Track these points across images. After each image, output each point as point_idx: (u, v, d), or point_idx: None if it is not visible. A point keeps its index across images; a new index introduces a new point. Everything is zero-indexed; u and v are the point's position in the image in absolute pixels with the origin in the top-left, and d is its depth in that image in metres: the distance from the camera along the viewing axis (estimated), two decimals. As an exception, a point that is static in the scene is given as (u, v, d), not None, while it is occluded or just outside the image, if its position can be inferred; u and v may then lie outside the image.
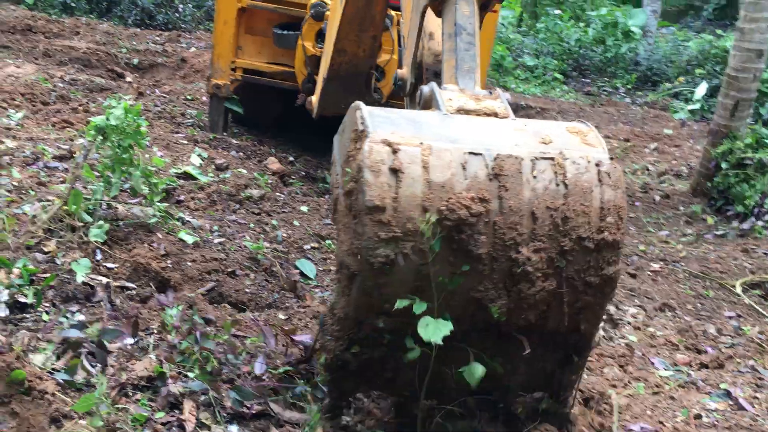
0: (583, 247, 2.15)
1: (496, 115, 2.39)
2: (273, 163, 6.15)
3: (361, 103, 2.31)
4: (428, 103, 2.46)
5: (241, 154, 6.23)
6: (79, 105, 6.81)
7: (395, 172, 2.07)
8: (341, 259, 2.21)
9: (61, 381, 2.53)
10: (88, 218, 3.83)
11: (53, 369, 2.58)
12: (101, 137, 3.79)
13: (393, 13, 6.28)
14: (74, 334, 2.78)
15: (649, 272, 4.66)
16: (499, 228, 2.10)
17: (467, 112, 2.38)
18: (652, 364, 3.42)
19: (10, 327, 2.89)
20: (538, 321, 2.25)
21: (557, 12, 15.24)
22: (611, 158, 2.24)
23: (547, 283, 2.17)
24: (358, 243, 2.08)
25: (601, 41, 14.26)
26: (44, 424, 2.36)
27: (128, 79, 8.92)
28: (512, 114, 2.42)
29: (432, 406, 2.44)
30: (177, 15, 13.61)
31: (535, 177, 2.15)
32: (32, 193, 4.08)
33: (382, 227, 2.05)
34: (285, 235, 4.68)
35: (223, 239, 4.27)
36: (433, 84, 2.51)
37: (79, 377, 2.61)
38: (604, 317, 2.37)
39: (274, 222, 4.84)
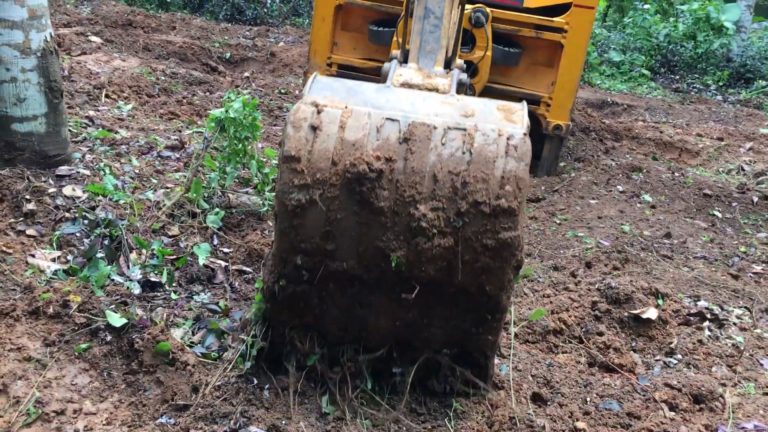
0: (479, 210, 2.31)
1: (437, 90, 2.60)
2: (366, 156, 6.30)
3: (317, 73, 2.59)
4: (386, 78, 2.69)
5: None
6: (183, 97, 7.14)
7: (314, 128, 2.34)
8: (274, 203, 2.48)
9: (199, 354, 2.73)
10: (206, 205, 4.06)
11: (191, 343, 2.78)
12: (219, 129, 4.01)
13: (488, 10, 6.35)
14: (206, 312, 2.98)
15: (751, 274, 4.58)
16: (401, 185, 2.32)
17: (410, 86, 2.61)
18: (761, 365, 3.39)
19: (145, 304, 3.13)
20: (439, 276, 2.41)
21: (646, 6, 14.85)
22: (524, 134, 2.38)
23: (444, 240, 2.35)
24: (278, 187, 2.35)
25: (692, 37, 13.82)
26: (186, 392, 2.56)
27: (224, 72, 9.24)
28: (453, 91, 2.60)
29: (356, 349, 2.69)
30: (265, 10, 14.00)
31: (443, 144, 2.34)
32: (154, 180, 4.35)
33: (296, 175, 2.31)
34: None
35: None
36: (395, 61, 2.78)
37: (214, 352, 2.80)
38: (512, 284, 2.49)
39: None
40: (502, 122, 2.41)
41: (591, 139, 8.32)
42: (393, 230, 2.35)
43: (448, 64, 3.01)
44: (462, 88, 2.71)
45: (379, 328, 2.60)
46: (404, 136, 2.34)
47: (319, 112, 2.37)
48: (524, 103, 2.57)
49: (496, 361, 3.15)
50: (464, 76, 2.76)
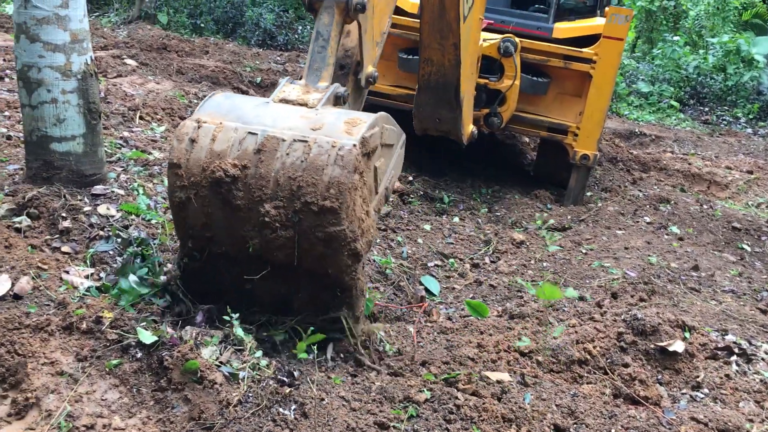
0: (310, 209, 2.77)
1: (306, 105, 3.06)
2: (393, 182, 6.36)
3: (219, 91, 3.12)
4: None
5: (363, 171, 6.46)
6: (214, 120, 7.27)
7: (192, 141, 2.88)
8: None
9: (227, 373, 2.77)
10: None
11: (219, 362, 2.82)
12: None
13: (517, 40, 6.41)
14: (238, 332, 3.02)
15: (781, 309, 4.52)
16: (252, 187, 2.81)
17: (286, 101, 3.09)
18: (790, 402, 3.34)
19: (174, 320, 3.18)
20: (288, 260, 2.91)
21: (675, 38, 14.82)
22: (354, 145, 2.78)
23: (286, 233, 2.83)
24: (167, 187, 2.99)
25: (722, 69, 13.77)
26: (213, 411, 2.59)
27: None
28: (320, 105, 3.05)
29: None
30: (296, 36, 14.22)
31: (287, 154, 2.80)
32: (185, 201, 4.43)
33: (178, 178, 2.88)
34: (410, 251, 4.84)
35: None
36: (287, 78, 3.27)
37: (241, 370, 2.84)
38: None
39: (399, 238, 5.01)
40: (340, 134, 2.85)
41: (618, 170, 8.30)
42: (249, 222, 2.86)
43: (356, 73, 3.60)
44: (339, 100, 3.21)
45: (263, 296, 3.14)
46: (258, 147, 2.83)
47: (198, 128, 2.90)
48: (375, 115, 3.00)
49: (519, 389, 3.15)
50: (342, 90, 3.22)
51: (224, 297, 3.18)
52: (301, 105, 3.06)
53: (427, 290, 4.41)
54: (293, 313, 3.17)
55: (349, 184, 2.75)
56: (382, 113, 3.13)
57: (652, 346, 3.58)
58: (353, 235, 2.85)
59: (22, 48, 3.83)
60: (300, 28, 14.57)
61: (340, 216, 2.77)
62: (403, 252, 4.81)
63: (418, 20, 6.58)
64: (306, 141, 2.82)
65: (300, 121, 2.92)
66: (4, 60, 8.13)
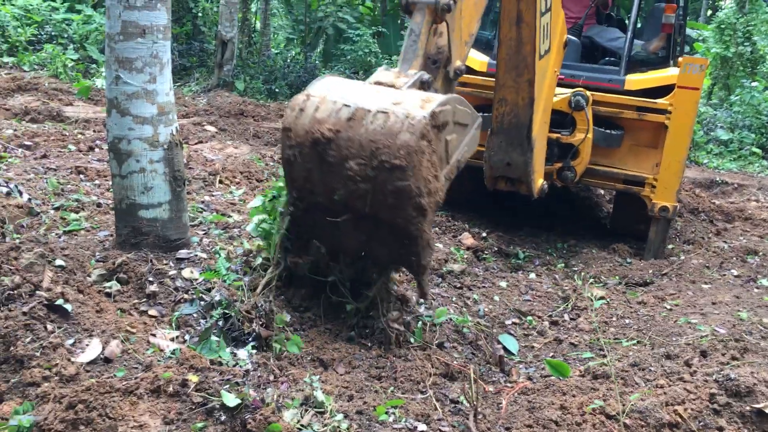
0: (383, 166, 3.28)
1: (394, 86, 3.65)
2: (467, 239, 6.34)
3: (328, 74, 3.76)
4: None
5: (436, 229, 6.48)
6: (290, 182, 7.46)
7: (301, 110, 3.49)
8: None
9: (308, 437, 2.78)
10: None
11: (300, 425, 2.83)
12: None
13: (588, 93, 6.38)
14: (318, 395, 3.04)
15: None
16: (342, 147, 3.37)
17: (379, 83, 3.70)
18: None
19: (256, 380, 3.22)
20: (365, 209, 3.45)
21: (754, 84, 14.41)
22: (424, 117, 3.28)
23: (365, 185, 3.37)
24: (281, 146, 3.62)
25: (805, 113, 13.30)
26: (296, 476, 2.60)
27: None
28: (406, 87, 3.64)
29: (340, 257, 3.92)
30: (366, 97, 14.55)
31: (371, 122, 3.34)
32: (264, 263, 4.53)
33: (288, 139, 3.51)
34: (486, 309, 4.79)
35: (429, 311, 4.47)
36: (384, 65, 3.90)
37: (321, 435, 2.85)
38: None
39: (475, 296, 4.97)
40: (415, 108, 3.35)
41: (700, 221, 8.05)
42: (338, 176, 3.43)
43: (446, 66, 4.12)
44: (424, 85, 3.76)
45: (349, 242, 3.77)
46: (350, 116, 3.39)
47: (306, 100, 3.51)
48: (447, 95, 3.55)
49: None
50: (426, 76, 3.79)
51: (319, 242, 3.87)
52: (390, 86, 3.65)
53: (505, 349, 4.33)
54: (372, 258, 3.82)
55: (416, 147, 3.26)
56: (456, 95, 3.70)
57: (748, 408, 3.38)
58: (418, 191, 3.33)
59: (114, 121, 4.07)
60: (370, 88, 14.91)
61: (407, 173, 3.27)
62: (479, 310, 4.76)
63: (487, 77, 6.67)
64: (387, 112, 3.35)
65: (386, 98, 3.46)
66: (94, 131, 8.63)
